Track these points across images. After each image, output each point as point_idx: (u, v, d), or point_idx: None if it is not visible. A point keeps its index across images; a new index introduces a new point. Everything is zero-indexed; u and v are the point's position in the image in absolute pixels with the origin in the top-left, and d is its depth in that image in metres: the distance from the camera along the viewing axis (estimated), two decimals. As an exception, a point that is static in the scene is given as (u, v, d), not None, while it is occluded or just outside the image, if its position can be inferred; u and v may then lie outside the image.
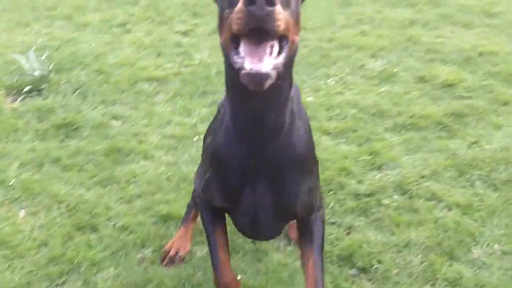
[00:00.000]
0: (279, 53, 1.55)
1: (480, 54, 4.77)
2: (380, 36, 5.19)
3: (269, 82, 1.51)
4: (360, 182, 3.27)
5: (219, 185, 1.98)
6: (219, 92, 4.20)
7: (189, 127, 3.85)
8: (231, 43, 1.57)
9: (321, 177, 3.30)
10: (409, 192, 3.17)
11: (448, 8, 5.94)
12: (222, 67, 1.77)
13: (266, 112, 1.72)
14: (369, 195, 3.16)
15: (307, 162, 1.96)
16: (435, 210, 3.02)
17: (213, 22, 5.53)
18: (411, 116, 3.89)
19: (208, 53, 4.81)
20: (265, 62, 1.50)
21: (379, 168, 3.40)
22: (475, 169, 3.35)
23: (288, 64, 1.66)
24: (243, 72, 1.50)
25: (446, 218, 2.95)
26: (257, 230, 2.13)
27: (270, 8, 1.43)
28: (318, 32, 5.30)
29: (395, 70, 4.55)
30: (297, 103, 1.87)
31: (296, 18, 1.63)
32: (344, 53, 4.86)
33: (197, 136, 3.72)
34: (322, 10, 5.82)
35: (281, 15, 1.47)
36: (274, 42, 1.53)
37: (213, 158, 1.96)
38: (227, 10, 1.56)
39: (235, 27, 1.48)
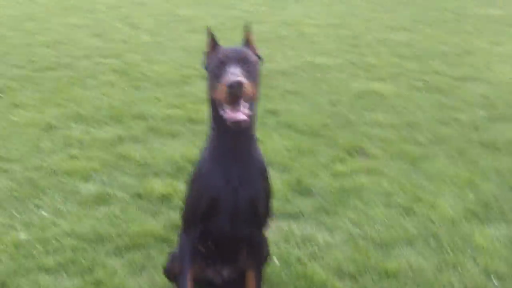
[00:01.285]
0: (249, 105, 2.55)
1: (190, 162, 4.93)
2: (90, 157, 5.10)
3: (244, 124, 2.53)
4: (85, 317, 3.07)
5: (205, 192, 2.74)
6: None
7: None
8: (219, 102, 2.56)
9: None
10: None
11: (155, 120, 6.12)
12: None
13: (240, 135, 2.66)
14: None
15: (266, 173, 2.85)
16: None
17: None
18: (132, 236, 3.82)
19: None
20: (240, 114, 2.50)
21: (105, 298, 3.24)
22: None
23: (254, 110, 2.64)
24: (228, 120, 2.52)
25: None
26: (236, 224, 2.77)
27: (240, 89, 2.46)
28: (24, 161, 5.02)
29: (109, 191, 4.48)
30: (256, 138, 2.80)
31: (256, 82, 2.63)
32: (54, 180, 4.65)
33: None
34: (27, 137, 5.57)
35: (247, 88, 2.50)
36: (243, 102, 2.51)
37: (200, 180, 2.79)
38: (215, 81, 2.58)
39: (223, 101, 2.52)
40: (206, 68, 2.74)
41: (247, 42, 2.80)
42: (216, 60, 2.64)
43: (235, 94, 2.47)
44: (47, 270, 3.51)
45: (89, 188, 4.55)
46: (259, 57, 2.78)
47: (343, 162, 5.00)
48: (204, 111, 6.45)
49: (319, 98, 6.91)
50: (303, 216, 4.09)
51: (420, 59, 8.95)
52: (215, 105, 2.64)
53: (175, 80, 7.59)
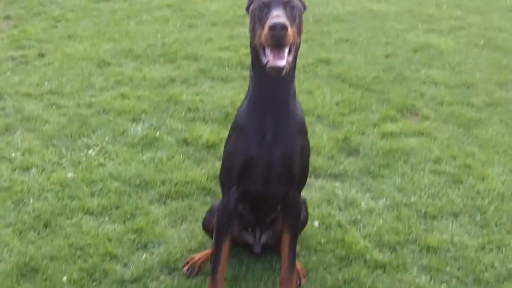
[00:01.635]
0: (289, 53, 2.46)
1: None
2: (140, 97, 5.12)
3: (284, 72, 2.43)
4: (125, 266, 3.15)
5: (241, 143, 2.68)
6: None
7: None
8: (260, 47, 2.47)
9: (84, 266, 3.13)
10: (176, 270, 3.12)
11: (206, 62, 6.07)
12: None
13: (279, 85, 2.59)
14: (135, 280, 3.05)
15: (304, 128, 2.76)
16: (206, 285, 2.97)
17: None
18: (175, 184, 3.86)
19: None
20: (282, 60, 2.41)
21: (145, 247, 3.31)
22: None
23: (294, 58, 2.55)
24: (268, 65, 2.42)
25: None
26: (270, 183, 2.70)
27: (283, 32, 2.35)
28: (76, 97, 5.08)
29: (157, 134, 4.50)
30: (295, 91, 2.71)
31: (299, 29, 2.54)
32: (104, 119, 4.71)
33: None
34: (80, 72, 5.61)
35: (290, 33, 2.38)
36: (286, 47, 2.42)
37: (237, 124, 2.73)
38: (258, 24, 2.48)
39: (264, 42, 2.41)
40: (249, 11, 2.60)
41: None
42: (259, 1, 2.51)
43: (278, 37, 2.35)
44: (90, 213, 3.59)
45: (137, 130, 4.57)
46: (304, 5, 2.65)
47: (394, 121, 4.88)
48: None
49: (374, 49, 6.71)
50: (348, 177, 4.03)
51: (483, 13, 8.56)
52: (256, 51, 2.53)
53: (229, 20, 7.48)
